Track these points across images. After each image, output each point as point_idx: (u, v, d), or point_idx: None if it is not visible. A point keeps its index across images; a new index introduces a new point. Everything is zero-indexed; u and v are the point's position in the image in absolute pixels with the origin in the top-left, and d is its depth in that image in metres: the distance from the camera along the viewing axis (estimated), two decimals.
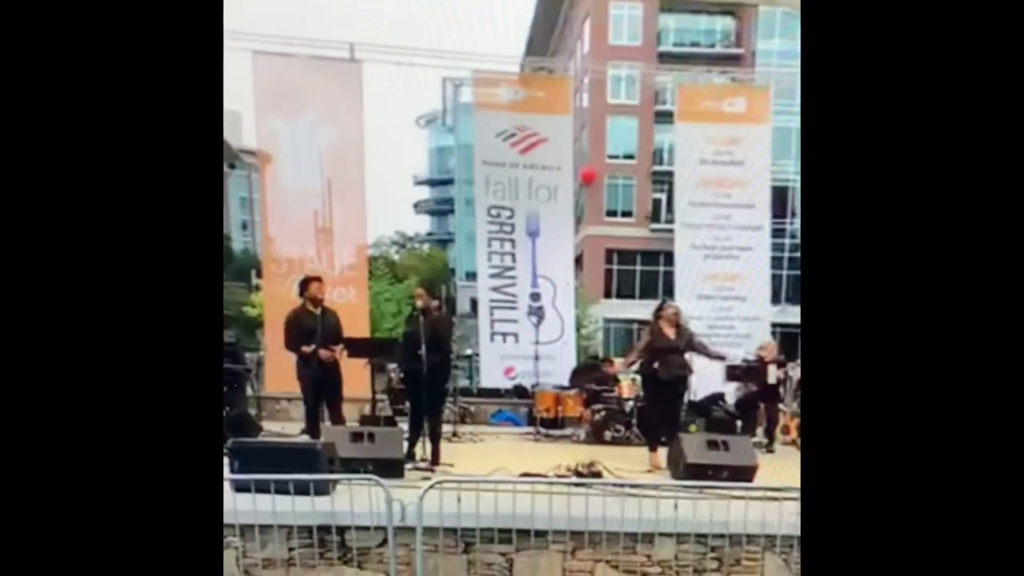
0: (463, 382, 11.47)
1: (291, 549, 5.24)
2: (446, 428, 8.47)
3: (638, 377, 8.61)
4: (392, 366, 9.64)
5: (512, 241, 12.07)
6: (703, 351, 7.93)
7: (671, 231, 13.66)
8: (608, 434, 9.26)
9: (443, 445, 7.52)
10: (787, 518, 5.28)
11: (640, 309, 25.42)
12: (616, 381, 10.25)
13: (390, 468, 6.18)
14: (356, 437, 6.50)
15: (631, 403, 9.44)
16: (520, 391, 11.31)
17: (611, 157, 33.02)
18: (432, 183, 54.61)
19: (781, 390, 10.05)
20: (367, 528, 5.19)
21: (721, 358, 8.44)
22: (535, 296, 12.01)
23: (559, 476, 6.26)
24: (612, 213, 33.21)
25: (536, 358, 11.01)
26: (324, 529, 5.22)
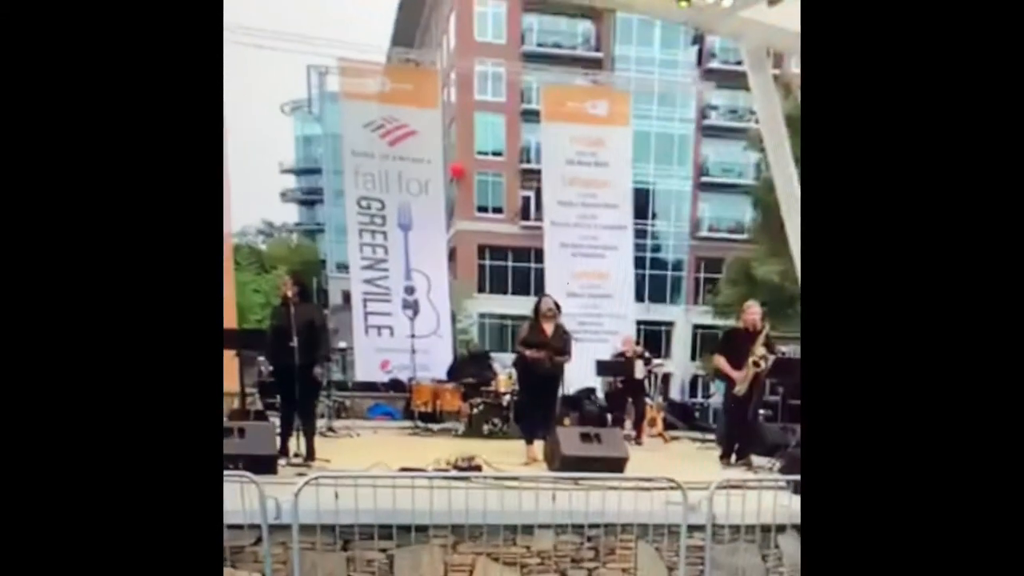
0: (337, 375, 11.23)
1: None
2: (321, 423, 8.28)
3: (514, 371, 8.72)
4: (262, 359, 9.31)
5: (384, 233, 11.97)
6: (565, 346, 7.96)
7: (540, 228, 13.92)
8: (486, 427, 9.33)
9: (318, 440, 7.33)
10: (657, 507, 5.49)
11: (514, 304, 25.75)
12: (494, 375, 10.36)
13: (262, 464, 5.95)
14: (225, 432, 6.22)
15: (508, 397, 9.55)
16: (397, 385, 11.21)
17: (480, 153, 33.25)
18: (299, 172, 52.99)
19: (647, 384, 10.45)
20: (240, 527, 4.97)
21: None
22: (409, 289, 11.95)
23: (438, 470, 6.24)
24: (483, 209, 33.45)
25: (412, 351, 10.94)
26: None
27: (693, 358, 31.20)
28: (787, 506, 5.64)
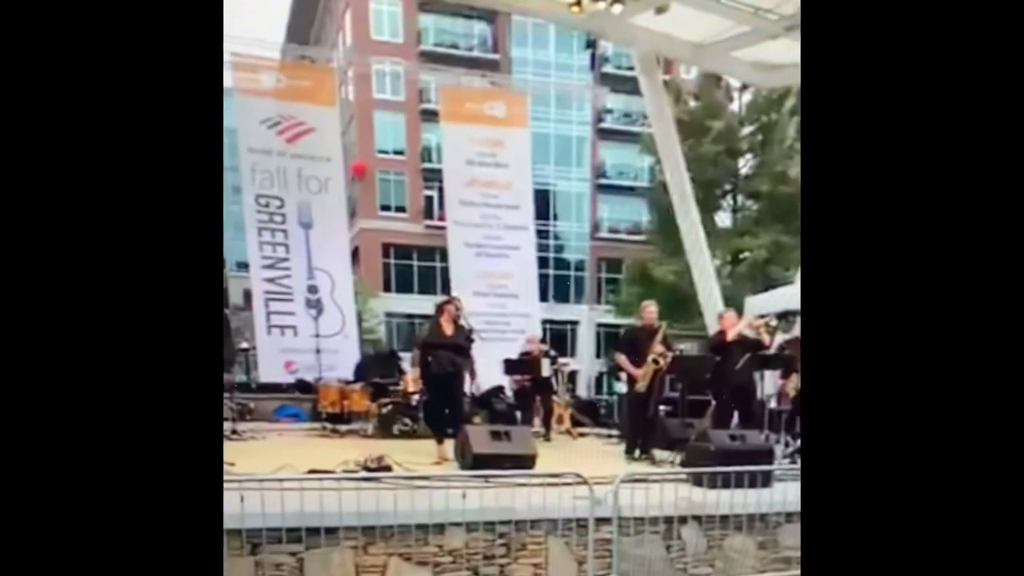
0: (239, 377, 10.92)
1: None
2: (225, 426, 8.03)
3: None
4: None
5: (284, 232, 11.77)
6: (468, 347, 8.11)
7: (445, 228, 13.96)
8: (396, 427, 9.28)
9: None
10: (566, 502, 5.62)
11: (420, 304, 25.58)
12: (402, 374, 10.29)
13: None
14: None
15: (417, 397, 9.51)
16: (303, 386, 10.99)
17: (381, 152, 32.91)
18: None
19: (554, 382, 10.62)
20: None
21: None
22: (312, 288, 11.76)
23: (348, 471, 6.17)
24: (386, 208, 33.11)
25: (317, 351, 10.76)
26: None
27: (598, 356, 31.76)
28: (688, 498, 5.88)
